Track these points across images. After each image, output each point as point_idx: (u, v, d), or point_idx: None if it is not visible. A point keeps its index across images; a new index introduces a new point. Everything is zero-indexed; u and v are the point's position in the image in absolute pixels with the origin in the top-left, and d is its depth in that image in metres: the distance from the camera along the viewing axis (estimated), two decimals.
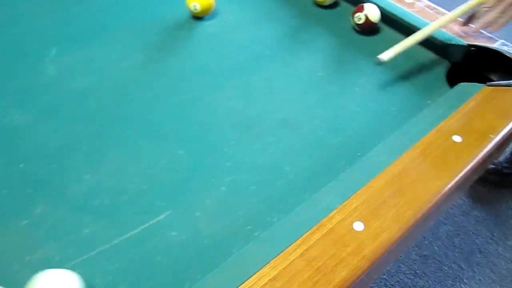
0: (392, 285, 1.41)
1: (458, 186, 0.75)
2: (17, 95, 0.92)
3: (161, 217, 0.72)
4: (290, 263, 0.59)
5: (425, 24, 1.03)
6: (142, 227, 0.71)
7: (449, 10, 1.07)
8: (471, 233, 1.58)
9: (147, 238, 0.69)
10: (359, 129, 0.88)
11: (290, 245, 0.61)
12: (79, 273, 0.62)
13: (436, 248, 1.53)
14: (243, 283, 0.57)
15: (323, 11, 1.15)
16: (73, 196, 0.75)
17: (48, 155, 0.82)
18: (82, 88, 0.94)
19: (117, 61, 1.00)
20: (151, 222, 0.71)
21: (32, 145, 0.83)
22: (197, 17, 1.09)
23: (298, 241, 0.62)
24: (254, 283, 0.57)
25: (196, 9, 1.07)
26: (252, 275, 0.58)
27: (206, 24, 1.09)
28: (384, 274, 1.43)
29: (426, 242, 1.54)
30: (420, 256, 1.49)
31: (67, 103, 0.91)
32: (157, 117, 0.88)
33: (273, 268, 0.59)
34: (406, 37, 1.00)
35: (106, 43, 1.05)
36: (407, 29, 1.06)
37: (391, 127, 0.86)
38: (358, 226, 0.64)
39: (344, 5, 1.16)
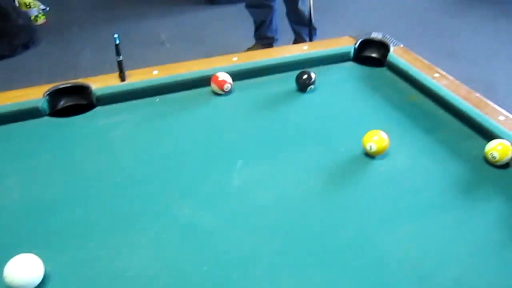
0: None
1: None
2: (206, 200, 1.05)
3: None
4: None
5: None
6: None
7: None
8: None
9: None
10: None
11: None
12: None
13: None
14: None
15: (494, 169, 1.16)
16: None
17: (231, 261, 0.91)
18: (263, 202, 1.05)
19: (295, 182, 1.10)
20: None
21: (217, 248, 0.93)
22: (370, 155, 1.17)
23: None
24: None
25: (371, 149, 1.15)
26: None
27: (377, 163, 1.16)
28: None
29: None
30: None
31: (249, 215, 1.01)
32: (331, 247, 0.94)
33: None
34: None
35: (285, 162, 1.17)
36: None
37: None
38: None
39: None
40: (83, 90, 1.35)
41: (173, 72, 1.44)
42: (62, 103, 1.34)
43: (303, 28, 3.06)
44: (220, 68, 1.45)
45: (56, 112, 1.32)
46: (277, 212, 1.02)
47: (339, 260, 0.91)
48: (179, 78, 1.41)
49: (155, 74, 1.43)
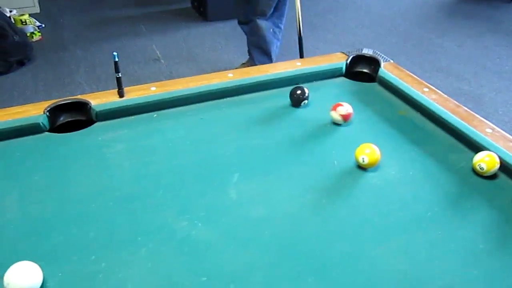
0: None
1: None
2: (204, 212, 1.08)
3: None
4: None
5: None
6: None
7: None
8: None
9: None
10: None
11: None
12: None
13: None
14: None
15: (482, 180, 1.20)
16: None
17: (227, 274, 0.93)
18: (258, 217, 1.07)
19: (290, 196, 1.13)
20: None
21: (214, 261, 0.96)
22: (363, 168, 1.21)
23: None
24: None
25: (363, 162, 1.19)
26: None
27: (369, 176, 1.20)
28: None
29: None
30: None
31: (246, 228, 1.04)
32: (325, 261, 0.96)
33: None
34: None
35: (280, 177, 1.20)
36: None
37: None
38: None
39: (503, 177, 1.21)
40: (82, 107, 1.38)
41: (170, 88, 1.48)
42: (62, 119, 1.37)
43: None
44: (216, 84, 1.49)
45: (56, 128, 1.35)
46: (271, 226, 1.05)
47: (332, 273, 0.94)
48: (176, 94, 1.45)
49: (153, 91, 1.47)
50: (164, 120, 1.41)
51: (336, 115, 1.38)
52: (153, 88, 1.47)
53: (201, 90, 1.48)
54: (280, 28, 3.21)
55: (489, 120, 1.38)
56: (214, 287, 0.90)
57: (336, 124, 1.39)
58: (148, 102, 1.42)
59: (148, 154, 1.28)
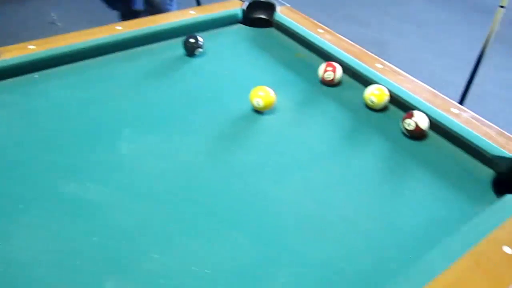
0: None
1: None
2: (94, 170, 1.02)
3: None
4: None
5: (471, 134, 1.11)
6: None
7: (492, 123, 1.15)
8: None
9: None
10: (411, 231, 0.92)
11: None
12: None
13: None
14: None
15: (374, 113, 1.24)
16: (141, 273, 0.81)
17: (121, 231, 0.89)
18: (153, 170, 1.03)
19: (185, 146, 1.09)
20: None
21: (106, 220, 0.91)
22: (259, 111, 1.20)
23: None
24: None
25: (259, 105, 1.17)
26: None
27: (267, 118, 1.19)
28: None
29: None
30: None
31: (139, 183, 0.99)
32: (222, 205, 0.95)
33: None
34: (453, 145, 1.07)
35: (175, 129, 1.15)
36: (454, 138, 1.13)
37: (441, 233, 0.90)
38: None
39: (393, 109, 1.25)
40: None
41: (51, 46, 1.35)
42: None
43: None
44: (103, 38, 1.39)
45: None
46: (166, 178, 1.01)
47: (231, 213, 0.93)
48: (59, 52, 1.33)
49: (32, 49, 1.33)
50: (47, 81, 1.29)
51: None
52: (31, 47, 1.33)
53: (87, 45, 1.37)
54: None
55: (391, 63, 1.39)
56: (106, 246, 0.86)
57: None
58: (27, 61, 1.29)
59: (31, 118, 1.16)
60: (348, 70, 1.35)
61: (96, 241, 0.86)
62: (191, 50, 1.39)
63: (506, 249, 0.83)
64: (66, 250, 0.84)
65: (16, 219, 0.90)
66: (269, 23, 1.60)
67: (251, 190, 0.99)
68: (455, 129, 1.14)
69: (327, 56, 1.41)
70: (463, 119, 1.17)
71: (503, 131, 1.14)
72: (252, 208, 0.95)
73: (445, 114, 1.18)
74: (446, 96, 1.26)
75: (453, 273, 0.78)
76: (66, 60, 1.34)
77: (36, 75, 1.30)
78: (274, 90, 1.20)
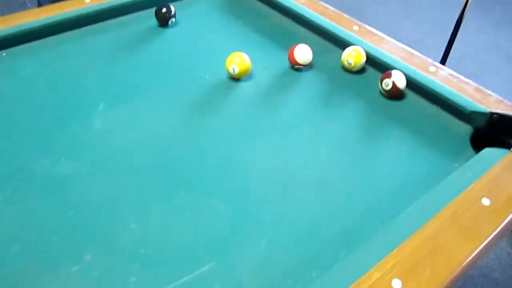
0: None
1: (488, 247, 0.78)
2: (67, 146, 0.99)
3: (204, 268, 0.76)
4: None
5: (448, 91, 1.11)
6: (186, 277, 0.74)
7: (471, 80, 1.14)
8: None
9: None
10: (390, 190, 0.92)
11: None
12: None
13: None
14: None
15: (351, 76, 1.22)
16: (120, 244, 0.80)
17: (97, 204, 0.87)
18: (128, 142, 1.01)
19: (160, 118, 1.07)
20: (195, 273, 0.75)
21: (82, 194, 0.89)
22: (235, 78, 1.17)
23: None
24: None
25: (234, 72, 1.15)
26: None
27: (243, 85, 1.17)
28: None
29: None
30: None
31: (114, 156, 0.97)
32: (199, 173, 0.94)
33: None
34: (431, 103, 1.07)
35: (150, 101, 1.12)
36: (431, 96, 1.13)
37: (420, 189, 0.90)
38: (397, 283, 0.67)
39: (371, 70, 1.24)
40: None
41: (16, 22, 1.30)
42: None
43: None
44: (72, 11, 1.34)
45: None
46: (141, 150, 0.99)
47: (207, 182, 0.92)
48: (24, 28, 1.28)
49: None
50: (14, 59, 1.24)
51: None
52: None
53: (56, 19, 1.32)
54: None
55: (372, 27, 1.37)
56: (83, 219, 0.84)
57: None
58: None
59: None
60: (324, 33, 1.33)
61: (72, 216, 0.85)
62: (163, 20, 1.36)
63: (485, 200, 0.84)
64: (43, 226, 0.83)
65: None
66: None
67: (227, 157, 0.97)
68: (432, 86, 1.13)
69: (301, 20, 1.38)
70: (441, 77, 1.17)
71: (479, 86, 1.14)
72: (228, 174, 0.94)
73: (422, 72, 1.17)
74: None
75: (431, 227, 0.78)
76: (35, 36, 1.29)
77: (4, 53, 1.25)
78: (250, 57, 1.18)
